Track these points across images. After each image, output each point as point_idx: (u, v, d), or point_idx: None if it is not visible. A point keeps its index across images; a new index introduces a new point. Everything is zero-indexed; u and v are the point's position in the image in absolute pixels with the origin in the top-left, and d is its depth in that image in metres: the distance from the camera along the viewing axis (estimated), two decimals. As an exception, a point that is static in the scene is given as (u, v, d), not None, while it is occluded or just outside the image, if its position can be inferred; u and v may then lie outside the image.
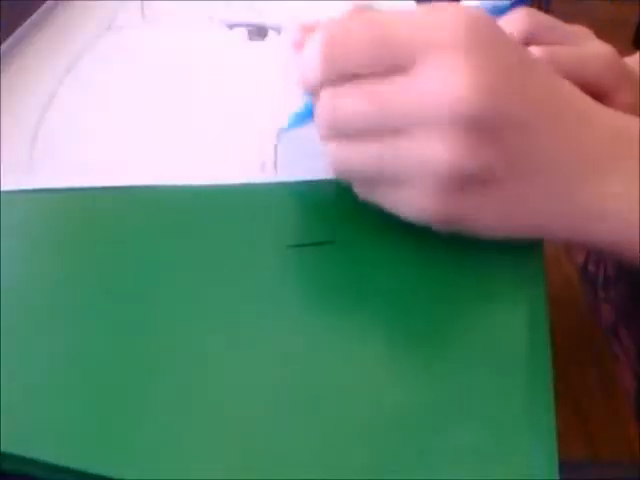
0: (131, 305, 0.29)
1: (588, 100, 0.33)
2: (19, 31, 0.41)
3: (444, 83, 0.29)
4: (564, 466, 0.25)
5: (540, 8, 0.45)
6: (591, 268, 0.57)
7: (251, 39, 0.47)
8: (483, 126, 0.29)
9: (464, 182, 0.30)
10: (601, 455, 0.42)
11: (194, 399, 0.26)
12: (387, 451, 0.25)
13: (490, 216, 0.32)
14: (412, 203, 0.31)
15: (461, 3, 0.31)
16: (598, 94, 0.37)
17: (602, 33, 0.43)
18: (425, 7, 0.30)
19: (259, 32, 0.48)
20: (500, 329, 0.30)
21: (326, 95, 0.31)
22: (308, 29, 0.33)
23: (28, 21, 0.41)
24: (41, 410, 0.25)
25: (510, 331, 0.30)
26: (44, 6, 0.43)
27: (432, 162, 0.29)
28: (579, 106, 0.32)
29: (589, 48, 0.41)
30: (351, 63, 0.30)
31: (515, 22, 0.41)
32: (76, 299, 0.30)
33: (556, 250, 0.54)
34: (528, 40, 0.40)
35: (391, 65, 0.30)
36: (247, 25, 0.48)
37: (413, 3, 0.52)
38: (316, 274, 0.32)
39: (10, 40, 0.40)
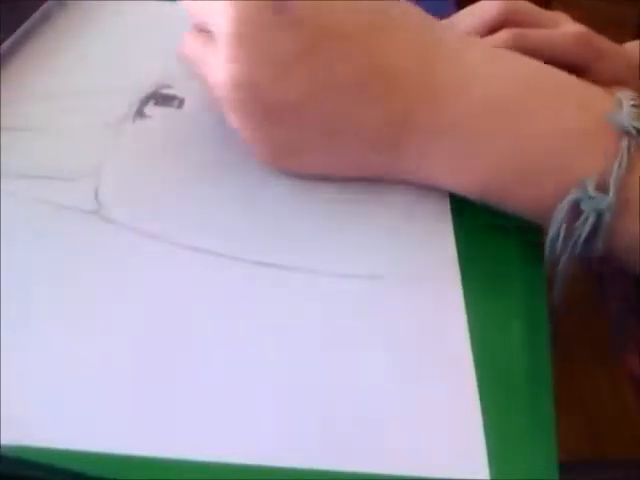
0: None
1: None
2: (19, 32, 0.41)
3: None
4: (569, 466, 0.25)
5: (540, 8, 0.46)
6: (597, 262, 0.57)
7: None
8: None
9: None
10: (608, 454, 0.42)
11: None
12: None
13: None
14: None
15: None
16: (572, 71, 0.38)
17: (602, 34, 0.43)
18: None
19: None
20: (500, 330, 0.30)
21: None
22: None
23: (28, 22, 0.41)
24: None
25: (510, 332, 0.30)
26: (44, 6, 0.43)
27: None
28: None
29: (560, 29, 0.42)
30: None
31: (490, 6, 0.42)
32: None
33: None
34: (502, 24, 0.42)
35: None
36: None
37: None
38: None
39: (10, 40, 0.40)
